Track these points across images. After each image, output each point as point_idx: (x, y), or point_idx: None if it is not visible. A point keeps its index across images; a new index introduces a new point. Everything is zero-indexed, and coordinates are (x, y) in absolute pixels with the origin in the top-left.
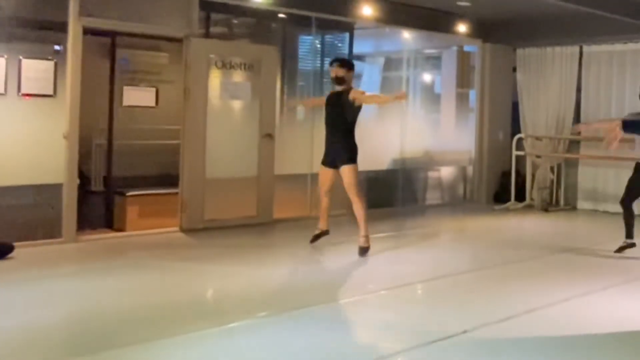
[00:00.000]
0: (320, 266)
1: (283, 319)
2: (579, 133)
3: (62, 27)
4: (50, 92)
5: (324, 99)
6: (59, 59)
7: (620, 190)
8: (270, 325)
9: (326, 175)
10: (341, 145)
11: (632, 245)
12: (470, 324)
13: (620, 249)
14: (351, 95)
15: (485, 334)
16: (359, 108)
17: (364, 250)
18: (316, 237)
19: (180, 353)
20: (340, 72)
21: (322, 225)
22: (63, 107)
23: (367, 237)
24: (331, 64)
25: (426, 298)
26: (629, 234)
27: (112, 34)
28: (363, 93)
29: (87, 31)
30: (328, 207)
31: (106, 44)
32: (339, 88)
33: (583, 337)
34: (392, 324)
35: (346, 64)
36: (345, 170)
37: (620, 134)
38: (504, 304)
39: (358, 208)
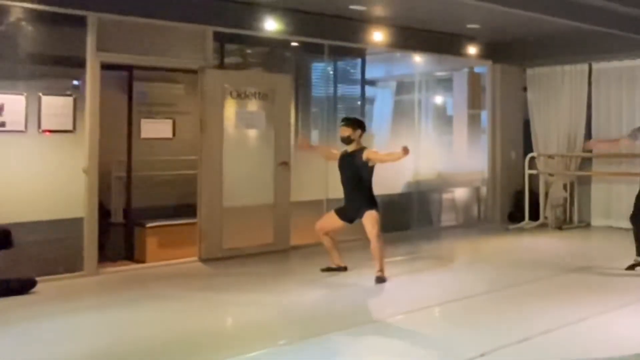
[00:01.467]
0: (337, 292)
1: (303, 347)
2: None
3: (80, 63)
4: (70, 127)
5: (337, 155)
6: (77, 94)
7: None
8: (291, 353)
9: (334, 222)
10: (361, 202)
11: None
12: (488, 346)
13: (632, 267)
14: (365, 156)
15: (502, 357)
16: (373, 166)
17: (380, 280)
18: (329, 269)
19: None
20: (346, 131)
21: (337, 262)
22: (82, 142)
23: (382, 270)
24: (341, 123)
25: (443, 321)
26: None
27: (129, 68)
28: (376, 153)
29: (104, 66)
30: (334, 243)
31: (123, 78)
32: (350, 148)
33: (601, 357)
34: (410, 349)
35: (351, 122)
36: (368, 217)
37: None
38: (520, 326)
39: (375, 247)
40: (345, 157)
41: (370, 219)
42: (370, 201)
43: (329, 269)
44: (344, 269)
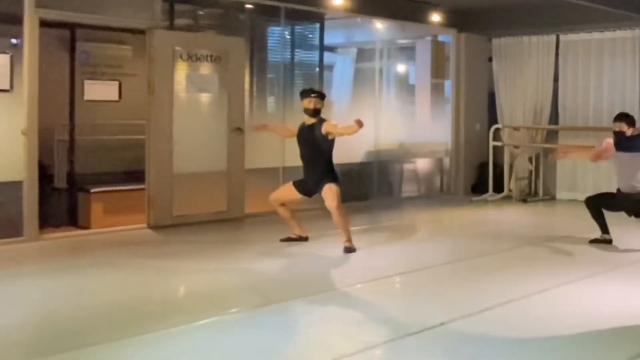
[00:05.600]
0: (293, 261)
1: (256, 315)
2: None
3: (18, 20)
4: (7, 86)
5: (294, 131)
6: (15, 52)
7: (599, 179)
8: (243, 321)
9: (292, 195)
10: (321, 176)
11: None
12: (448, 316)
13: (596, 241)
14: (324, 129)
15: (462, 326)
16: (333, 139)
17: (348, 250)
18: (289, 239)
19: (149, 351)
20: (320, 104)
21: (297, 232)
22: (21, 102)
23: (349, 240)
24: (306, 94)
25: (403, 291)
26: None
27: (71, 26)
28: (335, 126)
29: (44, 23)
30: (291, 213)
31: (65, 37)
32: (308, 121)
33: (561, 327)
34: (368, 318)
35: (322, 95)
36: (327, 190)
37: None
38: (481, 296)
39: (337, 220)
40: (305, 130)
41: (329, 193)
42: (330, 174)
43: (289, 239)
44: (305, 239)
